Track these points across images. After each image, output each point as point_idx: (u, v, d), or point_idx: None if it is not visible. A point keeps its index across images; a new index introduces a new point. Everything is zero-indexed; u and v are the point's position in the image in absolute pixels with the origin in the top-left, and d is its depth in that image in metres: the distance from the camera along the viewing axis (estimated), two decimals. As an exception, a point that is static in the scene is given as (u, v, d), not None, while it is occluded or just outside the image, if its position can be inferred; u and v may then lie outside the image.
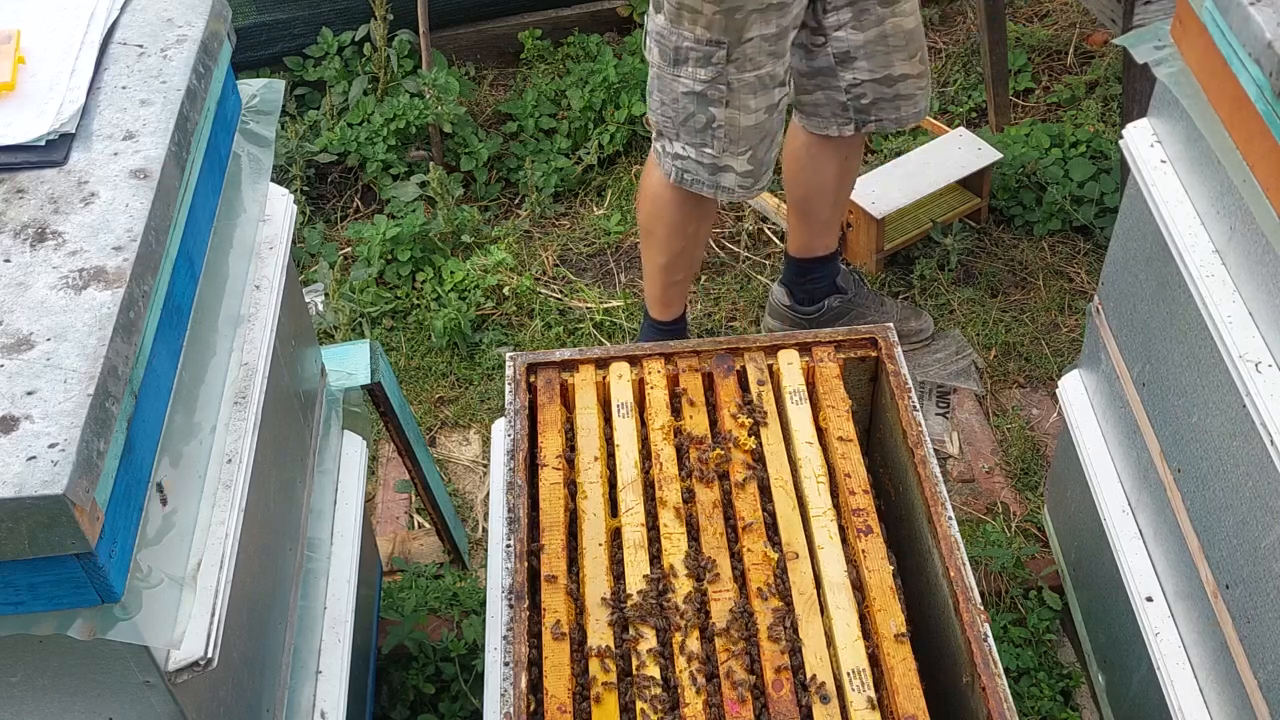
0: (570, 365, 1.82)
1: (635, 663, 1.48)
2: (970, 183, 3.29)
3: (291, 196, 1.84)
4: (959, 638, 1.52)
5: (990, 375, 2.96)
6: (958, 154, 3.25)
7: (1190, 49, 1.65)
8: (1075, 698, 2.31)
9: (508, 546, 1.59)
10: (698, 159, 2.39)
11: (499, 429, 1.83)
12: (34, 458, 1.07)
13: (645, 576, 1.56)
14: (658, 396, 1.77)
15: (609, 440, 1.74)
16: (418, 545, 2.66)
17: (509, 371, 1.80)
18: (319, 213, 3.57)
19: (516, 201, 3.58)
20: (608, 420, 1.77)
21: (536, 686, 1.48)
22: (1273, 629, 1.53)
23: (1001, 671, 1.46)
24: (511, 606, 1.52)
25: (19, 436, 1.08)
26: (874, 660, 1.48)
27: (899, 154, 3.34)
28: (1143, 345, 1.89)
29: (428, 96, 3.54)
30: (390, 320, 3.19)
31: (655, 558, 1.59)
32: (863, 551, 1.58)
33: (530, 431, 1.75)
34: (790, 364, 1.79)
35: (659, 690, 1.45)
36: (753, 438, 1.71)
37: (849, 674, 1.45)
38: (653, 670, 1.47)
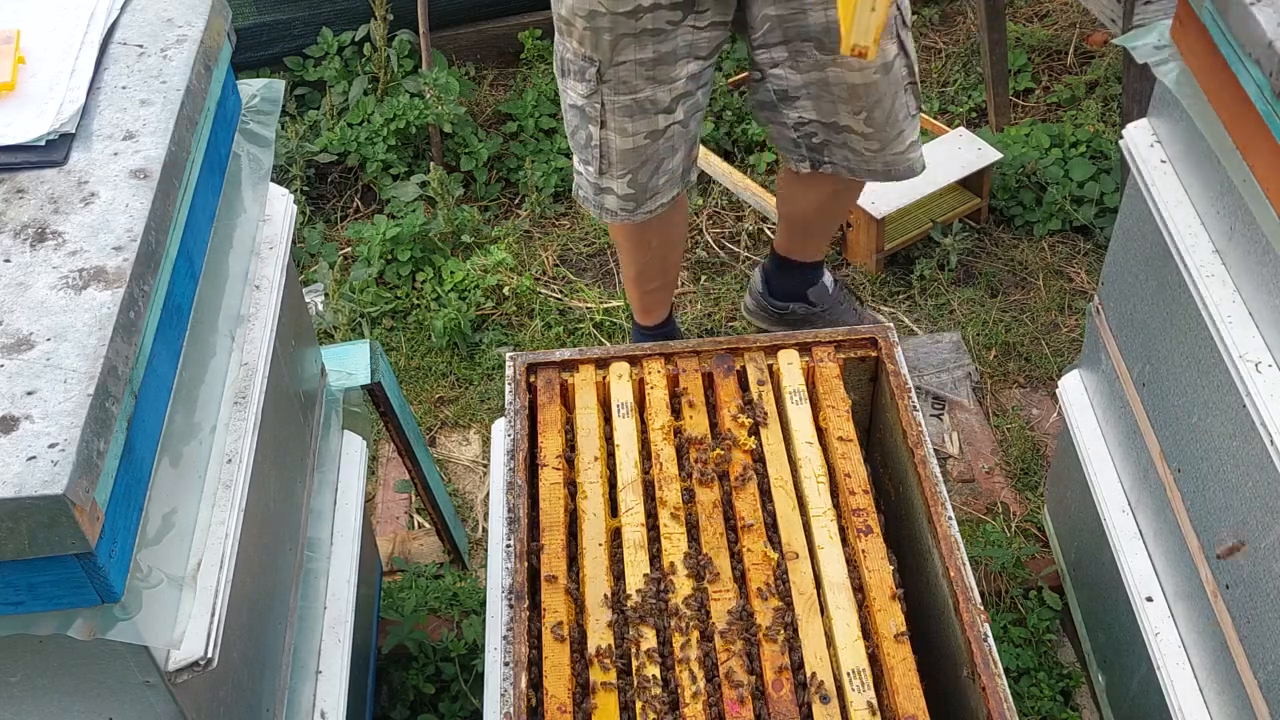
0: (570, 365, 1.82)
1: (635, 663, 1.48)
2: (970, 183, 3.29)
3: (291, 196, 1.84)
4: (959, 638, 1.52)
5: (990, 375, 2.96)
6: (958, 154, 3.26)
7: (1190, 49, 1.65)
8: (1075, 698, 2.31)
9: (508, 546, 1.59)
10: (586, 177, 2.33)
11: (499, 429, 1.83)
12: (34, 458, 1.07)
13: (645, 576, 1.56)
14: (658, 396, 1.77)
15: (609, 440, 1.74)
16: (418, 545, 2.66)
17: (509, 371, 1.80)
18: (319, 213, 3.57)
19: (516, 201, 3.58)
20: (608, 420, 1.77)
21: (536, 686, 1.48)
22: (1273, 629, 1.53)
23: (1001, 671, 1.46)
24: (511, 606, 1.52)
25: (19, 436, 1.08)
26: (874, 660, 1.48)
27: (899, 154, 3.34)
28: (1143, 345, 1.89)
29: (428, 96, 3.54)
30: (390, 320, 3.19)
31: (655, 558, 1.59)
32: (863, 551, 1.58)
33: (530, 431, 1.75)
34: (790, 364, 1.79)
35: (659, 690, 1.45)
36: (753, 438, 1.71)
37: (849, 674, 1.45)
38: (653, 670, 1.47)
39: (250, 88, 1.73)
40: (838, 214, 2.65)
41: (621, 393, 1.78)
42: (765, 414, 1.73)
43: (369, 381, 2.12)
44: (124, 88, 1.44)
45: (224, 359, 1.52)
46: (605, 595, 1.55)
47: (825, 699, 1.43)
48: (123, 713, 1.29)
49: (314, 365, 2.01)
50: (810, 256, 2.77)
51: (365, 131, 3.57)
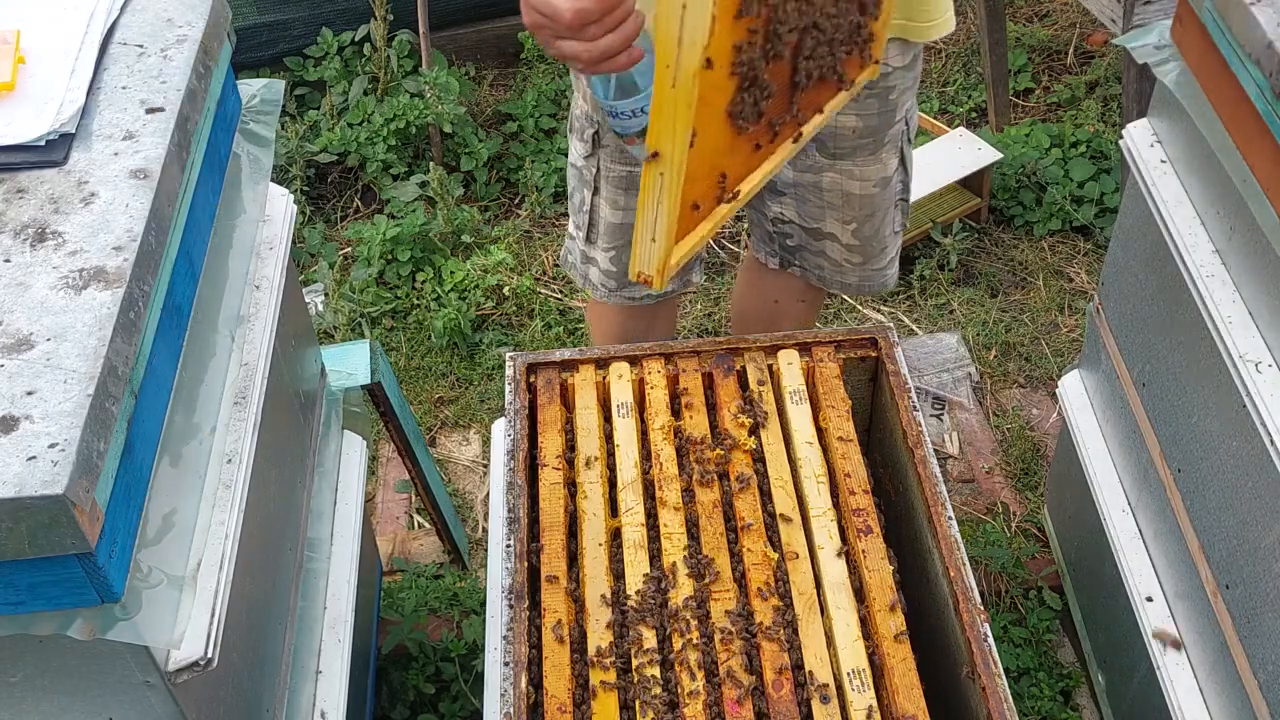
0: (570, 365, 1.82)
1: (635, 663, 1.48)
2: (970, 183, 3.29)
3: (291, 196, 1.84)
4: (959, 638, 1.52)
5: (990, 375, 2.96)
6: (958, 154, 3.26)
7: (1190, 49, 1.65)
8: (1075, 698, 2.31)
9: (508, 546, 1.59)
10: (576, 242, 2.19)
11: (499, 429, 1.83)
12: (34, 458, 1.07)
13: (645, 576, 1.56)
14: (658, 396, 1.77)
15: (609, 440, 1.74)
16: (418, 545, 2.66)
17: (509, 371, 1.80)
18: (319, 213, 3.57)
19: (516, 201, 3.58)
20: (608, 420, 1.77)
21: (536, 686, 1.48)
22: (1273, 629, 1.53)
23: (1001, 671, 1.46)
24: (511, 606, 1.52)
25: (19, 436, 1.08)
26: (874, 660, 1.48)
27: (899, 154, 3.34)
28: (1143, 345, 1.89)
29: (428, 96, 3.54)
30: (390, 320, 3.19)
31: (655, 558, 1.59)
32: (863, 551, 1.58)
33: (530, 431, 1.75)
34: (790, 364, 1.79)
35: (659, 690, 1.45)
36: (753, 438, 1.71)
37: (849, 674, 1.45)
38: (653, 670, 1.47)
39: (250, 88, 1.73)
40: (788, 324, 2.35)
41: (621, 393, 1.78)
42: (765, 414, 1.73)
43: (369, 381, 2.12)
44: (124, 88, 1.44)
45: (224, 359, 1.52)
46: (605, 595, 1.55)
47: (825, 699, 1.43)
48: (123, 713, 1.29)
49: (314, 365, 2.01)
50: None
51: (365, 131, 3.57)
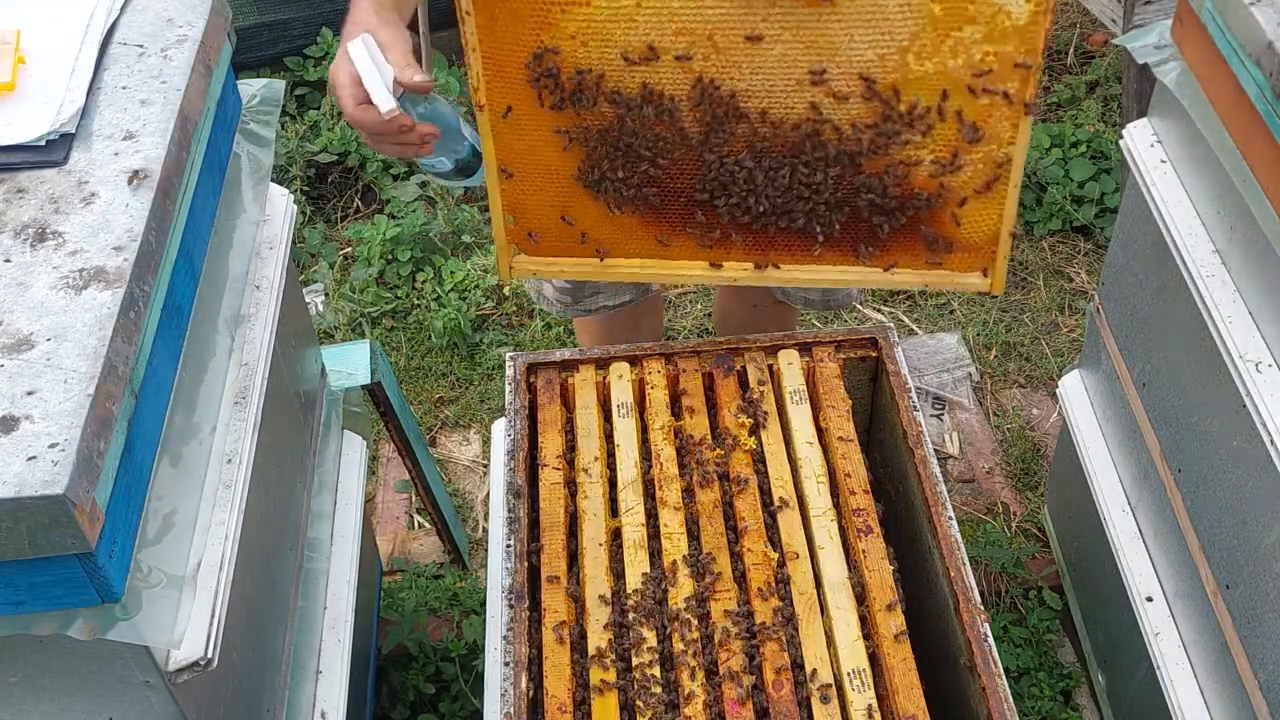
0: (570, 365, 1.81)
1: (635, 662, 1.48)
2: (970, 183, 3.29)
3: (291, 196, 1.84)
4: (959, 638, 1.52)
5: (990, 375, 2.96)
6: (958, 154, 3.25)
7: (1190, 49, 1.65)
8: (1075, 698, 2.31)
9: (508, 546, 1.59)
10: None
11: (499, 429, 1.83)
12: (34, 458, 1.07)
13: (645, 576, 1.56)
14: (658, 396, 1.77)
15: (609, 440, 1.74)
16: (418, 545, 2.66)
17: (509, 371, 1.80)
18: (319, 213, 3.57)
19: (516, 201, 3.58)
20: (608, 420, 1.77)
21: (537, 686, 1.48)
22: (1273, 629, 1.53)
23: (1001, 671, 1.46)
24: (511, 606, 1.52)
25: (19, 436, 1.08)
26: (874, 660, 1.48)
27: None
28: (1143, 345, 1.89)
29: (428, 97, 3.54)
30: (390, 320, 3.19)
31: (655, 558, 1.59)
32: (863, 551, 1.58)
33: (530, 431, 1.75)
34: (790, 364, 1.79)
35: (659, 690, 1.45)
36: (753, 438, 1.71)
37: (849, 674, 1.45)
38: (653, 670, 1.47)
39: (250, 88, 1.72)
40: (770, 326, 2.36)
41: (621, 393, 1.78)
42: (765, 414, 1.73)
43: (369, 381, 2.12)
44: (124, 88, 1.44)
45: (224, 359, 1.52)
46: (605, 595, 1.55)
47: (825, 699, 1.43)
48: (123, 713, 1.29)
49: (314, 365, 2.01)
50: None
51: (365, 131, 3.57)
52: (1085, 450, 2.09)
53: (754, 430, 1.72)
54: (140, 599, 1.19)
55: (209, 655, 1.28)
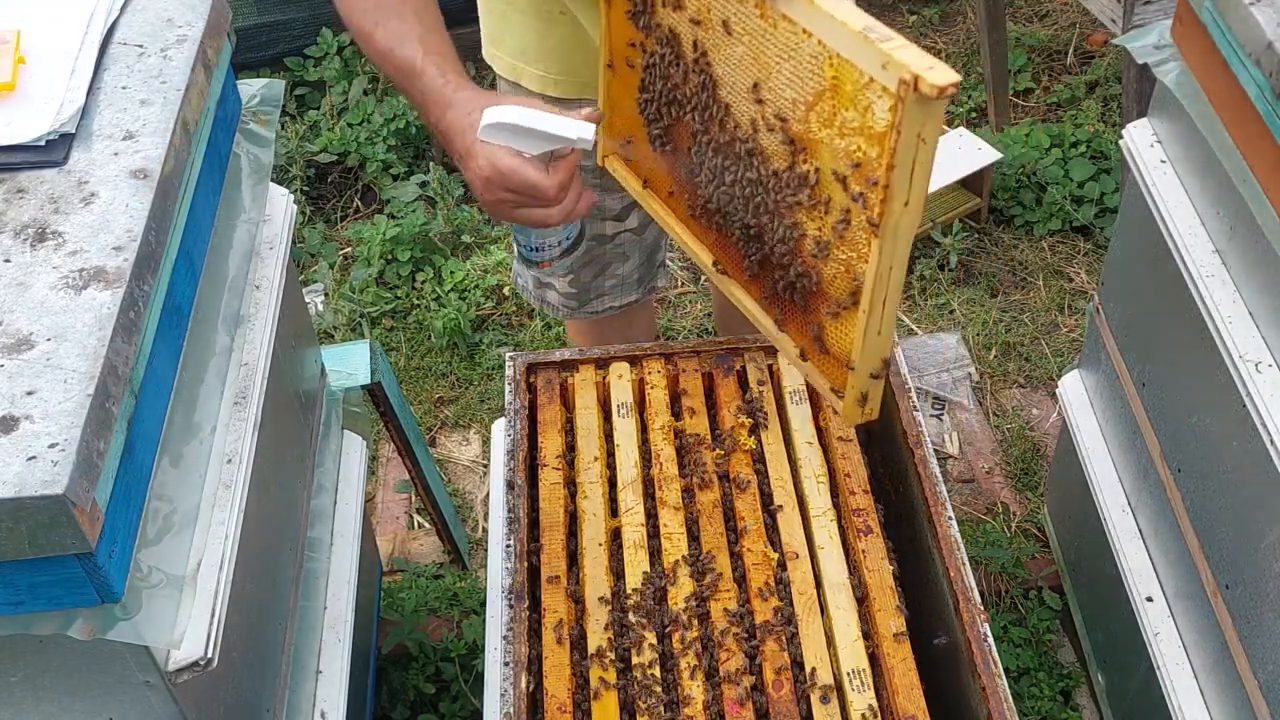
0: (570, 365, 1.82)
1: (635, 662, 1.48)
2: (970, 183, 3.29)
3: (291, 196, 1.84)
4: (959, 638, 1.52)
5: (990, 375, 2.96)
6: (958, 154, 3.26)
7: (1190, 49, 1.65)
8: (1075, 698, 2.31)
9: (508, 546, 1.59)
10: (524, 268, 2.16)
11: (499, 429, 1.83)
12: (34, 458, 1.07)
13: (645, 576, 1.56)
14: (658, 396, 1.77)
15: (609, 440, 1.74)
16: (418, 545, 2.66)
17: (509, 372, 1.80)
18: (319, 213, 3.57)
19: (516, 201, 3.58)
20: (607, 420, 1.77)
21: (537, 686, 1.48)
22: (1273, 629, 1.53)
23: (1001, 671, 1.46)
24: (511, 606, 1.52)
25: (19, 436, 1.08)
26: (874, 660, 1.48)
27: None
28: (1143, 345, 1.89)
29: (428, 96, 3.54)
30: (390, 320, 3.19)
31: (655, 558, 1.59)
32: (863, 551, 1.58)
33: (530, 431, 1.75)
34: (790, 364, 1.79)
35: (659, 690, 1.45)
36: (753, 438, 1.71)
37: (849, 674, 1.45)
38: (653, 670, 1.47)
39: (250, 88, 1.72)
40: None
41: (621, 393, 1.78)
42: (765, 414, 1.73)
43: (369, 381, 2.12)
44: (124, 88, 1.44)
45: (224, 359, 1.52)
46: (605, 595, 1.55)
47: (825, 699, 1.43)
48: (123, 713, 1.29)
49: (314, 365, 2.01)
50: None
51: (365, 131, 3.57)
52: (1085, 450, 2.09)
53: (754, 430, 1.72)
54: (140, 599, 1.19)
55: (209, 655, 1.28)
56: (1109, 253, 2.02)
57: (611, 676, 1.47)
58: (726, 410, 1.75)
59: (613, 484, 1.68)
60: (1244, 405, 1.49)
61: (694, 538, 1.61)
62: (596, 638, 1.50)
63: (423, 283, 3.24)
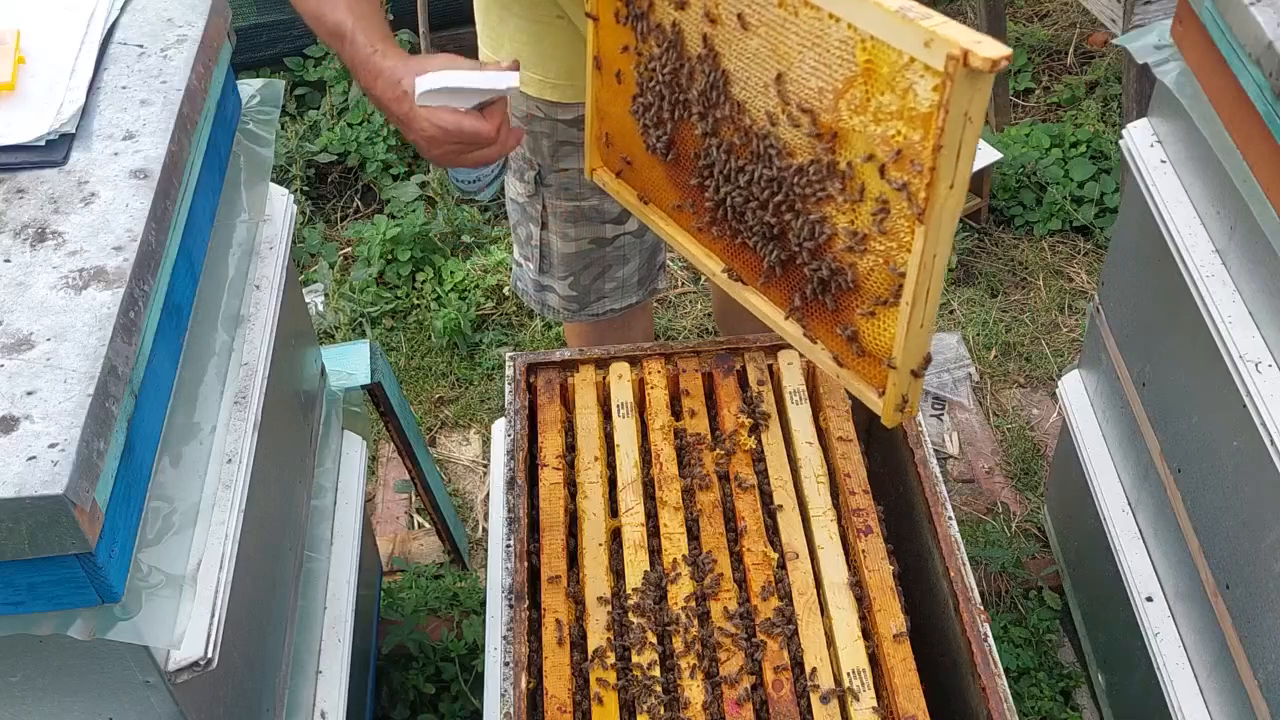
0: (570, 365, 1.81)
1: (635, 662, 1.48)
2: (970, 182, 3.29)
3: (291, 196, 1.84)
4: (959, 638, 1.52)
5: (990, 375, 2.96)
6: (958, 154, 3.25)
7: (1190, 49, 1.65)
8: (1075, 698, 2.31)
9: (508, 546, 1.59)
10: (526, 271, 2.19)
11: (499, 429, 1.83)
12: (34, 458, 1.07)
13: (645, 576, 1.56)
14: (658, 396, 1.77)
15: (609, 440, 1.74)
16: (418, 545, 2.66)
17: (509, 372, 1.80)
18: (319, 213, 3.57)
19: (516, 201, 3.58)
20: (607, 420, 1.77)
21: (536, 686, 1.48)
22: (1273, 629, 1.53)
23: (1001, 671, 1.46)
24: (511, 606, 1.52)
25: (19, 436, 1.08)
26: (874, 660, 1.48)
27: (899, 154, 3.34)
28: (1143, 345, 1.89)
29: (428, 96, 3.54)
30: (390, 320, 3.19)
31: (655, 558, 1.59)
32: (863, 551, 1.58)
33: (530, 431, 1.75)
34: (791, 364, 1.79)
35: (659, 690, 1.45)
36: (753, 438, 1.71)
37: (849, 674, 1.45)
38: (653, 670, 1.47)
39: (250, 88, 1.72)
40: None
41: (621, 393, 1.78)
42: (765, 414, 1.73)
43: (369, 381, 2.12)
44: (124, 88, 1.44)
45: (224, 359, 1.52)
46: (605, 595, 1.55)
47: (825, 699, 1.43)
48: (123, 713, 1.29)
49: (314, 365, 2.01)
50: None
51: (365, 131, 3.57)
52: (1085, 450, 2.09)
53: (754, 430, 1.72)
54: (140, 599, 1.19)
55: (209, 655, 1.28)
56: (1109, 253, 2.02)
57: (611, 677, 1.47)
58: (726, 410, 1.74)
59: (613, 484, 1.68)
60: (1244, 405, 1.49)
61: (694, 538, 1.61)
62: (596, 638, 1.50)
63: (423, 283, 3.24)
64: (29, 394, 1.12)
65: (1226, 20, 1.50)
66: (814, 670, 1.46)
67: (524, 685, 1.45)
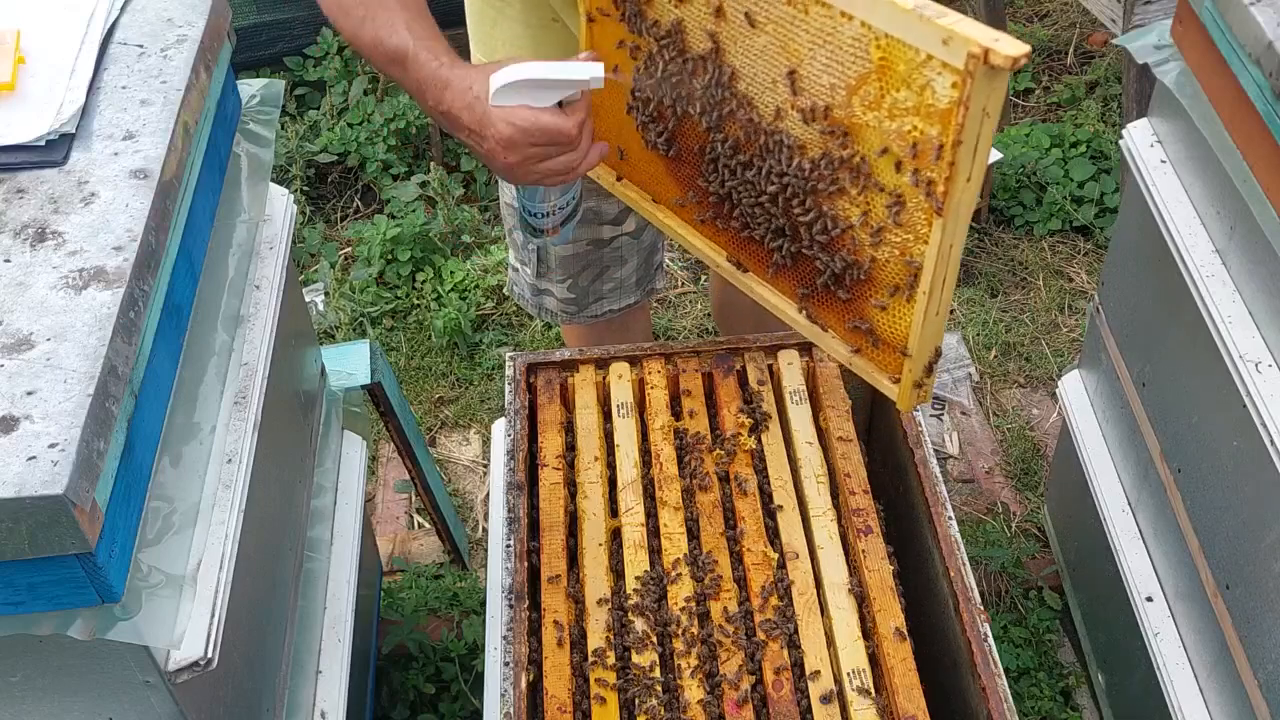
0: (570, 365, 1.81)
1: (635, 663, 1.48)
2: (970, 182, 3.28)
3: (291, 196, 1.84)
4: (959, 638, 1.52)
5: (990, 375, 2.96)
6: (958, 154, 3.25)
7: (1190, 49, 1.65)
8: (1075, 698, 2.31)
9: (508, 546, 1.59)
10: (522, 275, 2.16)
11: (499, 429, 1.83)
12: (34, 458, 1.07)
13: (645, 577, 1.56)
14: (658, 396, 1.77)
15: (609, 440, 1.74)
16: (418, 545, 2.66)
17: (509, 372, 1.80)
18: (319, 213, 3.57)
19: (516, 201, 3.58)
20: (608, 420, 1.77)
21: (536, 686, 1.48)
22: (1273, 629, 1.53)
23: (1001, 671, 1.46)
24: (511, 606, 1.52)
25: (19, 436, 1.08)
26: (874, 660, 1.48)
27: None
28: (1143, 345, 1.89)
29: (428, 96, 3.53)
30: (390, 320, 3.19)
31: (655, 558, 1.59)
32: (863, 551, 1.58)
33: (530, 431, 1.75)
34: (790, 364, 1.79)
35: (659, 690, 1.45)
36: (753, 438, 1.71)
37: (849, 674, 1.45)
38: (653, 670, 1.47)
39: (250, 88, 1.72)
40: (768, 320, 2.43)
41: (621, 393, 1.78)
42: (765, 414, 1.73)
43: (369, 381, 2.12)
44: (124, 88, 1.44)
45: (224, 359, 1.52)
46: (605, 595, 1.55)
47: (825, 699, 1.43)
48: (123, 713, 1.29)
49: (314, 365, 2.01)
50: None
51: (365, 131, 3.57)
52: (1085, 450, 2.09)
53: (754, 430, 1.72)
54: (140, 599, 1.19)
55: (209, 655, 1.28)
56: (1109, 253, 2.02)
57: (611, 677, 1.47)
58: (726, 410, 1.74)
59: (613, 484, 1.68)
60: (1244, 405, 1.49)
61: (694, 538, 1.61)
62: (596, 638, 1.50)
63: (423, 283, 3.24)
64: (29, 394, 1.12)
65: (1226, 20, 1.50)
66: (814, 670, 1.46)
67: (524, 685, 1.46)
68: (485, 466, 2.84)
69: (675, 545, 1.59)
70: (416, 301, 3.21)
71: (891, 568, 1.56)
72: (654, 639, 1.50)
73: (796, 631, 1.50)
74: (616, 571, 1.59)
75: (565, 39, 1.76)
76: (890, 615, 1.51)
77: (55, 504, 1.05)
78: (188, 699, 1.30)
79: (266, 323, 1.63)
